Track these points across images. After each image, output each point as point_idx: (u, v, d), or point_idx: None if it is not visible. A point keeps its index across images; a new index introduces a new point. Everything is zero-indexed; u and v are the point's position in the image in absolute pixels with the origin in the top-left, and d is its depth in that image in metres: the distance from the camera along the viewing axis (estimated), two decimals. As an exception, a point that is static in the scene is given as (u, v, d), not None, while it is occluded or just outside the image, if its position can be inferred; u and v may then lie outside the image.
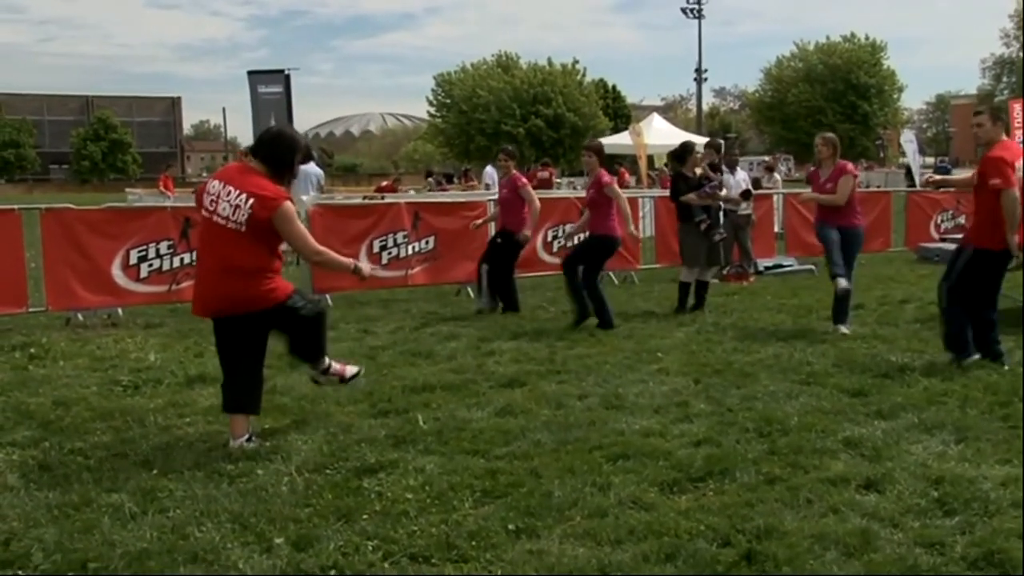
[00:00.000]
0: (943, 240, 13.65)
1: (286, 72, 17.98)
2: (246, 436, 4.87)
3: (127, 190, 32.39)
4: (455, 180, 26.44)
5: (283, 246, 4.97)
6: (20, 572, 3.45)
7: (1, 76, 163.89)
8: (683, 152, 9.72)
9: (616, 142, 30.53)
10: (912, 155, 29.86)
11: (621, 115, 61.04)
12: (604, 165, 8.84)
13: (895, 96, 64.36)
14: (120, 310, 9.07)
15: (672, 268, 10.89)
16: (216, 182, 4.80)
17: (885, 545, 3.55)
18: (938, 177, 7.95)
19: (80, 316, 8.80)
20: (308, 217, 10.31)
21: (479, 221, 10.10)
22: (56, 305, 8.76)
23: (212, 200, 4.76)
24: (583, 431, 5.09)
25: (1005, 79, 69.19)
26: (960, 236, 11.79)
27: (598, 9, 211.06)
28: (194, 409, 5.66)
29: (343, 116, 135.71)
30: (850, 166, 8.24)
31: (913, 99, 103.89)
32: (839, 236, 7.95)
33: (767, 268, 12.52)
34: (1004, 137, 6.61)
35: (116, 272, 8.93)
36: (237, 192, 4.68)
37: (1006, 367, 6.35)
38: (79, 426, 5.30)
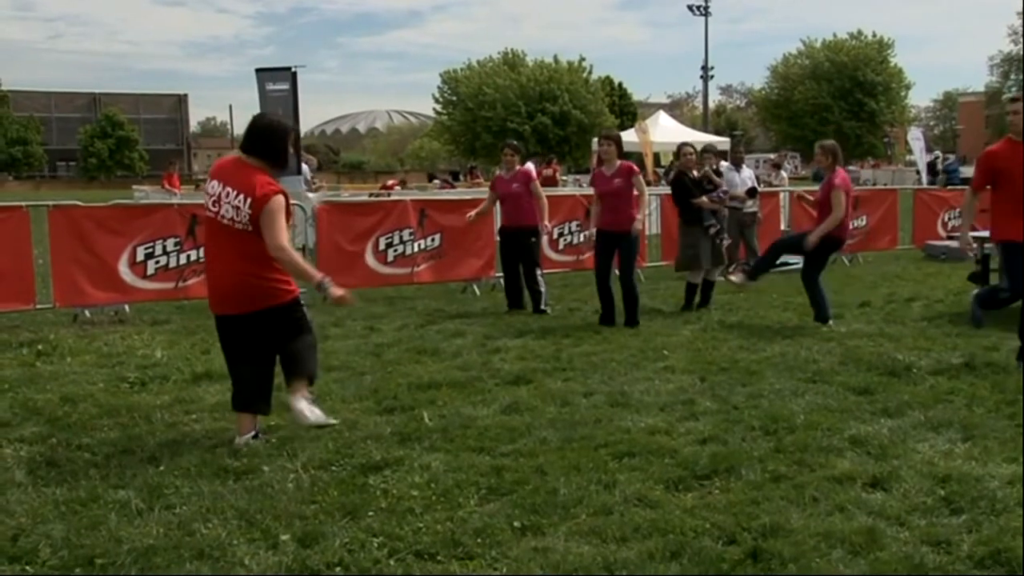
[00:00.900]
0: (950, 238, 13.61)
1: (293, 69, 17.95)
2: (252, 433, 4.88)
3: (134, 187, 32.53)
4: (461, 178, 26.44)
5: (296, 243, 4.98)
6: (28, 568, 3.46)
7: (10, 73, 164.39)
8: (679, 154, 9.83)
9: (622, 139, 30.46)
10: (919, 153, 29.78)
11: (627, 113, 60.96)
12: (623, 156, 8.79)
13: (902, 94, 64.18)
14: (127, 307, 9.10)
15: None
16: (215, 183, 4.79)
17: (891, 543, 3.54)
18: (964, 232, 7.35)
19: (87, 313, 8.83)
20: (315, 215, 10.33)
21: (473, 213, 9.95)
22: (63, 302, 8.79)
23: (214, 201, 4.76)
24: (589, 429, 5.09)
25: (1013, 76, 68.83)
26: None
27: (605, 6, 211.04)
28: (200, 406, 5.68)
29: (349, 113, 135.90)
30: (838, 179, 8.12)
31: (920, 97, 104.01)
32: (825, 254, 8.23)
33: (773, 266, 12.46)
34: None
35: (123, 269, 8.95)
36: (235, 193, 4.69)
37: None
38: (86, 422, 5.32)
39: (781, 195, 14.50)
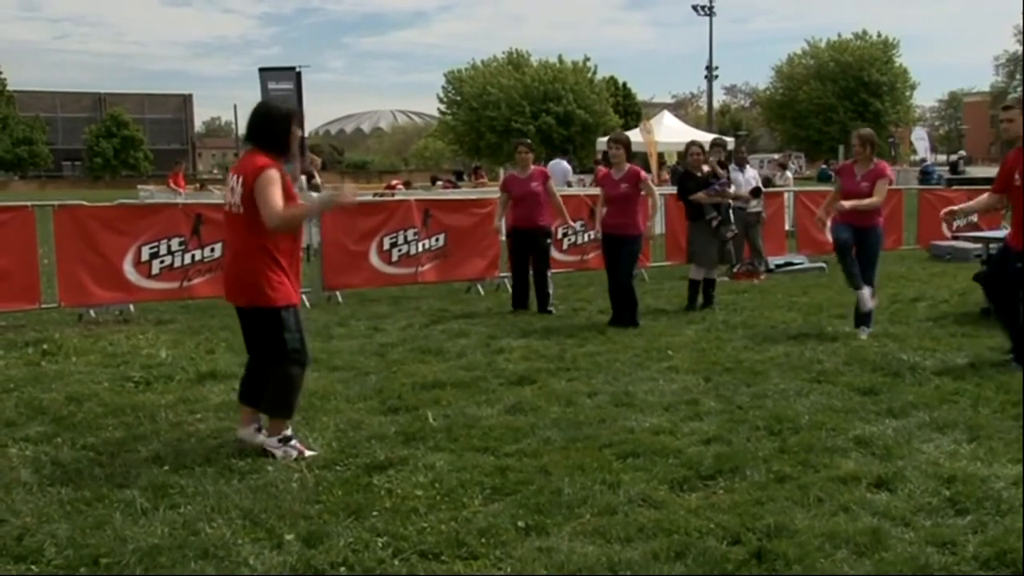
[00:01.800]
0: (956, 238, 13.58)
1: (297, 69, 17.96)
2: (254, 426, 4.81)
3: (139, 187, 32.57)
4: (465, 178, 26.43)
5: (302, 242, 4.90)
6: (33, 567, 3.47)
7: (16, 73, 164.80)
8: (686, 151, 9.82)
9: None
10: (924, 153, 29.69)
11: (632, 112, 60.97)
12: (631, 159, 8.80)
13: (907, 94, 64.11)
14: (132, 306, 9.11)
15: (682, 266, 10.86)
16: (231, 177, 4.80)
17: (896, 544, 3.54)
18: (956, 208, 7.40)
19: (92, 312, 8.85)
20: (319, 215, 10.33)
21: (497, 224, 9.92)
22: (68, 301, 8.80)
23: (228, 191, 4.78)
24: (593, 429, 5.09)
25: (1019, 76, 68.78)
26: (972, 235, 11.80)
27: (609, 6, 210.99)
28: (205, 405, 5.68)
29: (354, 113, 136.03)
30: (888, 169, 7.85)
31: (925, 97, 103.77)
32: (854, 239, 7.52)
33: (778, 266, 12.48)
34: None
35: (128, 268, 8.97)
36: (235, 176, 4.68)
37: None
38: (91, 422, 5.33)
39: (786, 195, 14.48)
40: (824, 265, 12.42)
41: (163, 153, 73.68)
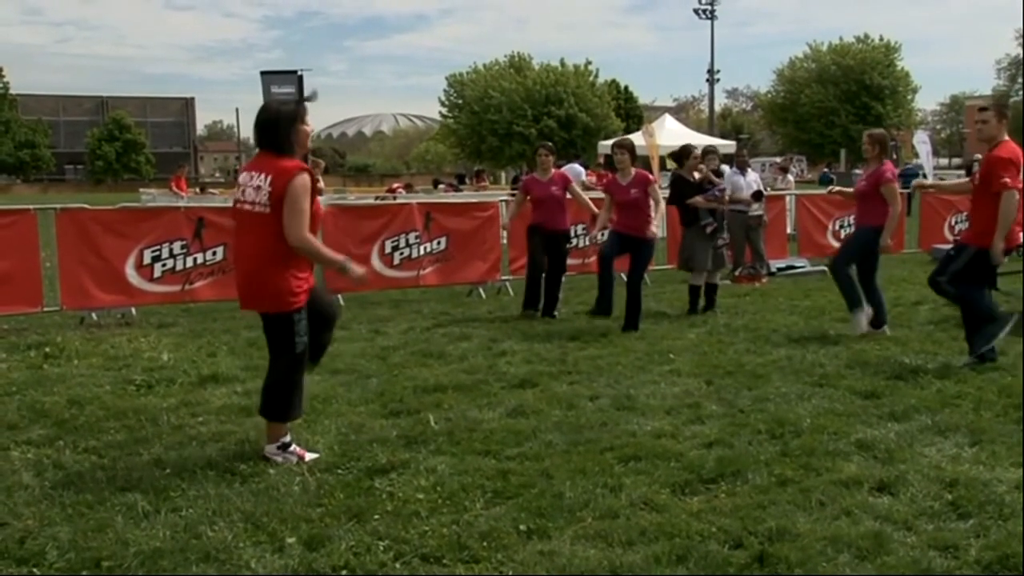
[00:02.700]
0: (957, 242, 13.56)
1: (299, 73, 18.00)
2: (277, 443, 4.66)
3: (141, 190, 32.57)
4: (467, 181, 26.44)
5: None
6: (35, 570, 3.47)
7: (19, 77, 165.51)
8: (682, 154, 9.71)
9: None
10: (925, 156, 29.67)
11: (633, 116, 61.00)
12: (636, 163, 8.83)
13: (909, 97, 64.06)
14: (134, 310, 9.12)
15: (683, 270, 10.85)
16: (244, 174, 4.69)
17: (898, 548, 3.53)
18: (926, 182, 7.84)
19: (94, 315, 8.85)
20: (321, 218, 10.33)
21: (506, 221, 9.97)
22: (71, 304, 8.81)
23: (241, 190, 4.63)
24: (595, 432, 5.09)
25: (1020, 79, 68.75)
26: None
27: (611, 10, 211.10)
28: (207, 408, 5.68)
29: (355, 116, 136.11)
30: (889, 172, 7.87)
31: (927, 100, 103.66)
32: (864, 247, 7.83)
33: (779, 269, 12.48)
34: (1006, 137, 6.56)
35: (130, 272, 8.98)
36: (259, 174, 4.54)
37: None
38: (93, 425, 5.33)
39: (787, 198, 14.48)
40: (826, 269, 12.39)
41: (165, 156, 73.78)
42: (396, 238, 10.40)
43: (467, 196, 19.04)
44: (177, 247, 9.19)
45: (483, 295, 10.67)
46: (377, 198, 18.36)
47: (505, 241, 11.18)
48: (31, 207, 8.91)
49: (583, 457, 4.62)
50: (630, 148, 8.83)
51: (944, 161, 68.44)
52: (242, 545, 3.62)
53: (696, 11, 54.17)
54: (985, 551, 3.48)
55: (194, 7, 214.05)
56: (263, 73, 18.24)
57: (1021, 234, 6.81)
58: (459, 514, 3.91)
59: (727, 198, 9.67)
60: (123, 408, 5.67)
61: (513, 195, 14.72)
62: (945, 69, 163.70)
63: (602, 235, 8.78)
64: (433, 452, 4.78)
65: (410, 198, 15.36)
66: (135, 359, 7.17)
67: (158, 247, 9.11)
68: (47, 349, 7.47)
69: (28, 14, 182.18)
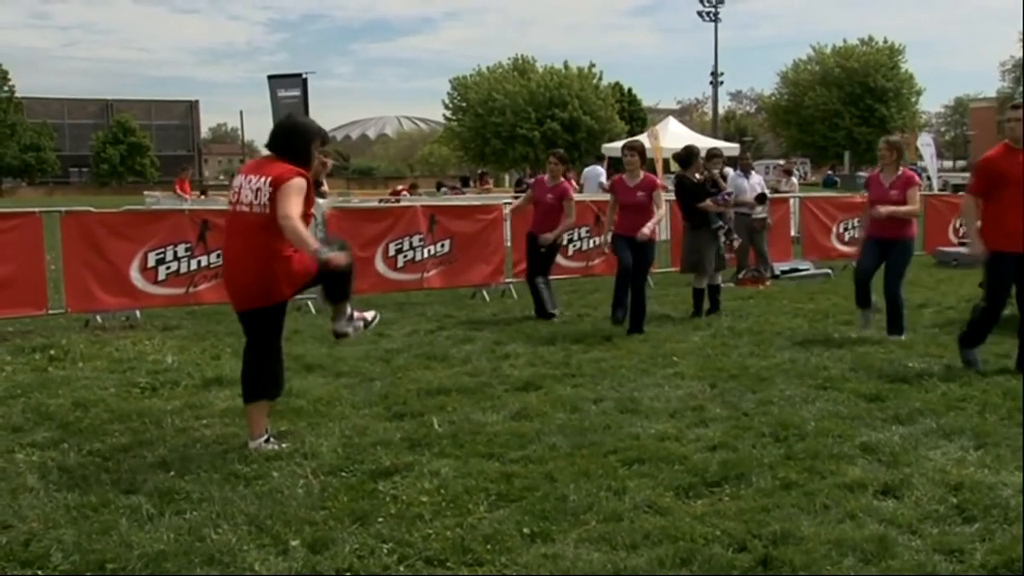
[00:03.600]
0: (962, 244, 13.55)
1: (303, 76, 18.09)
2: (264, 437, 4.88)
3: (145, 193, 32.62)
4: (471, 184, 26.45)
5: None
6: (39, 572, 3.47)
7: (25, 79, 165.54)
8: (688, 156, 9.68)
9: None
10: (930, 159, 29.64)
11: (637, 118, 60.97)
12: (644, 166, 8.81)
13: (913, 99, 64.03)
14: (138, 312, 9.13)
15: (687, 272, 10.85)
16: (239, 176, 4.81)
17: (903, 552, 3.52)
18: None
19: (99, 318, 8.87)
20: (324, 220, 10.35)
21: (510, 211, 10.04)
22: (75, 307, 8.83)
23: (235, 192, 4.76)
24: (598, 435, 5.08)
25: (1023, 81, 68.62)
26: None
27: (615, 13, 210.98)
28: (211, 411, 5.69)
29: (359, 119, 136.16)
30: (916, 176, 7.89)
31: (931, 102, 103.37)
32: (878, 259, 7.76)
33: (783, 272, 12.47)
34: None
35: (134, 274, 8.99)
36: (258, 177, 4.67)
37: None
38: (97, 427, 5.34)
39: (791, 201, 14.47)
40: (830, 271, 12.41)
41: (169, 159, 74.01)
42: (400, 241, 10.41)
43: (470, 199, 19.05)
44: (181, 250, 9.20)
45: (487, 298, 10.67)
46: (381, 201, 18.36)
47: (509, 244, 11.19)
48: (36, 210, 8.93)
49: (587, 460, 4.62)
50: (640, 150, 8.80)
51: (948, 163, 68.21)
52: (246, 548, 3.62)
53: (700, 14, 54.25)
54: (990, 555, 3.47)
55: (199, 10, 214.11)
56: (270, 77, 18.39)
57: None
58: (463, 517, 3.91)
59: (732, 201, 9.67)
60: (127, 411, 5.68)
61: (517, 197, 14.75)
62: (949, 71, 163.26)
63: (608, 239, 8.76)
64: (437, 455, 4.78)
65: (414, 200, 15.36)
66: (139, 362, 7.18)
67: (162, 250, 9.12)
68: (52, 352, 7.48)
69: (35, 18, 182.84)
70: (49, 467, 4.63)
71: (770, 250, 12.34)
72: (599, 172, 20.28)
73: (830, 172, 49.87)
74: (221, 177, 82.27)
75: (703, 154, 10.09)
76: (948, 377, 6.30)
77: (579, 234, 11.54)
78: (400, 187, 26.49)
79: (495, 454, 4.76)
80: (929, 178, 29.77)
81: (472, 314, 9.63)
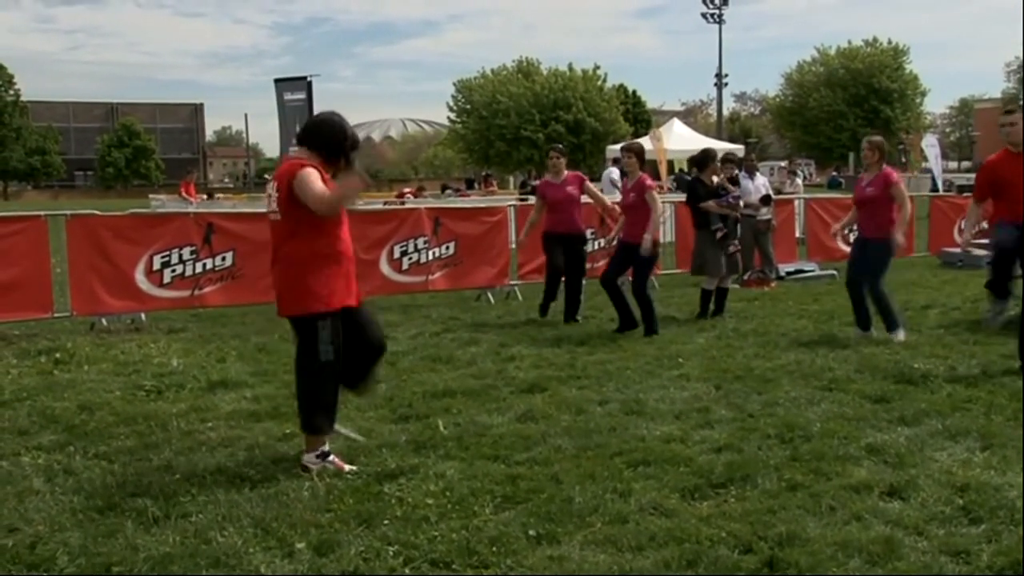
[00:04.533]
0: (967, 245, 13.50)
1: (308, 79, 18.14)
2: (315, 452, 4.61)
3: (150, 196, 32.71)
4: (476, 185, 26.48)
5: None
6: (46, 575, 3.48)
7: (31, 83, 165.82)
8: (704, 159, 9.68)
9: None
10: (935, 160, 29.58)
11: (641, 120, 61.04)
12: (644, 168, 8.81)
13: (917, 100, 63.91)
14: (143, 315, 9.15)
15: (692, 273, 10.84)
16: (271, 183, 4.74)
17: (909, 553, 3.52)
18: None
19: (104, 321, 8.89)
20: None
21: (526, 228, 9.86)
22: (81, 310, 8.85)
23: (267, 199, 4.73)
24: (604, 437, 5.08)
25: (1025, 82, 68.57)
26: (984, 241, 11.73)
27: (619, 15, 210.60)
28: (216, 414, 5.70)
29: (364, 122, 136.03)
30: (894, 174, 7.92)
31: (936, 103, 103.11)
32: (888, 258, 7.80)
33: (788, 274, 12.45)
34: None
35: (139, 277, 9.01)
36: (273, 183, 4.66)
37: None
38: (103, 430, 5.35)
39: (796, 202, 14.45)
40: (835, 272, 12.37)
41: (174, 162, 74.21)
42: (405, 243, 10.42)
43: (475, 201, 19.07)
44: (186, 253, 9.22)
45: (492, 300, 10.68)
46: (386, 203, 18.40)
47: (514, 246, 11.19)
48: (42, 213, 8.96)
49: (592, 462, 4.61)
50: (638, 152, 8.78)
51: (953, 164, 68.12)
52: (252, 550, 3.63)
53: (704, 15, 54.16)
54: (997, 556, 3.46)
55: (204, 14, 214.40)
56: (277, 80, 18.45)
57: None
58: (468, 519, 3.90)
59: (740, 206, 9.66)
60: (133, 414, 5.69)
61: (521, 199, 14.71)
62: (954, 72, 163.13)
63: (616, 240, 8.79)
64: (442, 457, 4.78)
65: (419, 203, 15.38)
66: (145, 365, 7.20)
67: (167, 253, 9.14)
68: (57, 355, 7.50)
69: (41, 21, 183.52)
70: (55, 470, 4.63)
71: (775, 251, 12.34)
72: (615, 173, 20.21)
73: (834, 173, 49.71)
74: (226, 180, 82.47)
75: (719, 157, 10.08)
76: (954, 378, 6.29)
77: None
78: (406, 189, 26.54)
79: (500, 456, 4.75)
80: (934, 179, 29.76)
81: (477, 316, 9.63)
